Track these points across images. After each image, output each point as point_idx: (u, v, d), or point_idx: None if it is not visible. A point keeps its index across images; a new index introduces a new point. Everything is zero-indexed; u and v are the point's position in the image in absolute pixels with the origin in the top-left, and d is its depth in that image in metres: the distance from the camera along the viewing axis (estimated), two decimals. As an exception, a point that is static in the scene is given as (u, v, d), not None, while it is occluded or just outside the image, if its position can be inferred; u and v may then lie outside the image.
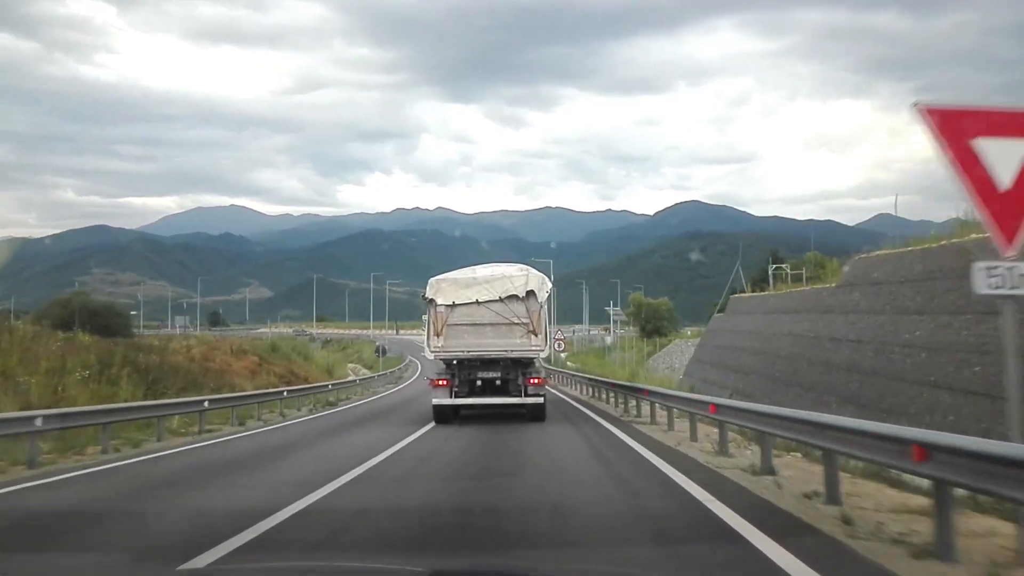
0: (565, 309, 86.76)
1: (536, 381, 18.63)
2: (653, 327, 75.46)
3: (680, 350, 59.15)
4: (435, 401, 18.83)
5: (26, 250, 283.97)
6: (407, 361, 64.84)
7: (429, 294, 18.78)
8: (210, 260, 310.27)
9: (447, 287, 18.81)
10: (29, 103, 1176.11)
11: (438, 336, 18.53)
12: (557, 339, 41.94)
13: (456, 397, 18.76)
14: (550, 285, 19.39)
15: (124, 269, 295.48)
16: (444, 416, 18.85)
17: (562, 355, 42.94)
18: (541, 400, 18.74)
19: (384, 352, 64.95)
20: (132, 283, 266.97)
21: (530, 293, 18.50)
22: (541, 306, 18.58)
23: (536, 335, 18.36)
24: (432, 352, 18.88)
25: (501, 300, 18.40)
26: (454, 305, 18.54)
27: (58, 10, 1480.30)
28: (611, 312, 69.10)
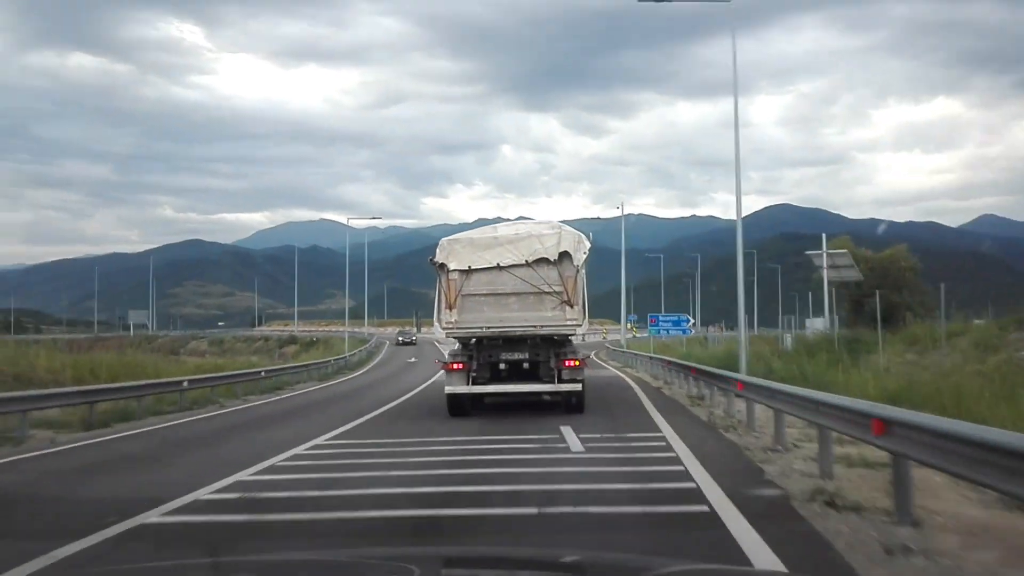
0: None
1: (573, 363, 15.49)
2: (885, 305, 32.11)
3: None
4: (448, 389, 15.74)
5: (123, 264, 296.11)
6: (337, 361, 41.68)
7: (439, 258, 15.46)
8: (298, 272, 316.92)
9: (461, 249, 15.53)
10: (127, 124, 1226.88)
11: (450, 309, 15.27)
12: None
13: (475, 384, 15.56)
14: (588, 245, 15.94)
15: (215, 281, 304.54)
16: (460, 407, 15.77)
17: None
18: (579, 387, 15.59)
19: None
20: (223, 295, 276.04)
21: (564, 255, 15.22)
22: (578, 271, 15.31)
23: (572, 307, 15.12)
24: (444, 328, 15.49)
25: (528, 264, 15.17)
26: (470, 271, 15.29)
27: (150, 33, 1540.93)
28: (823, 263, 28.33)
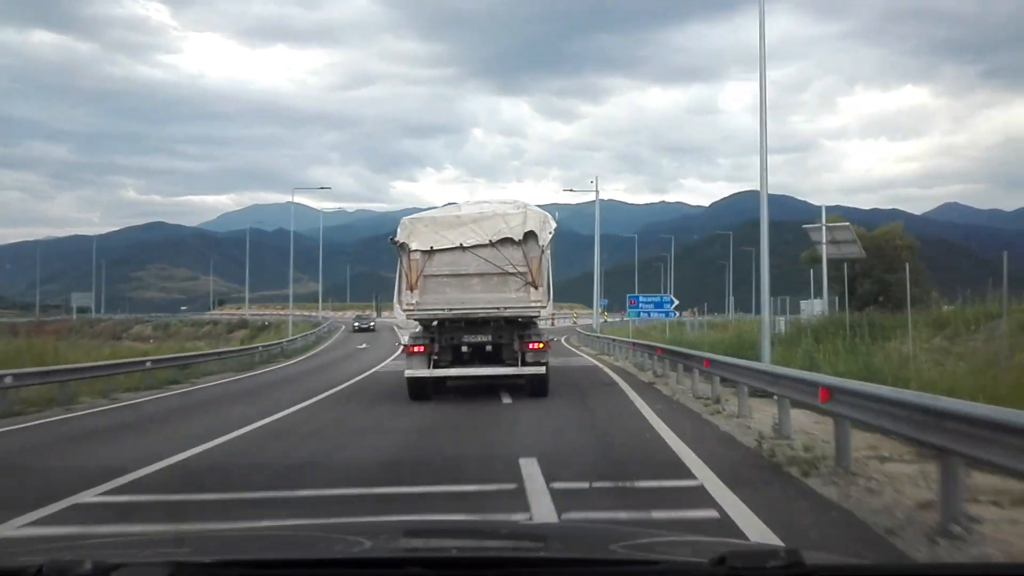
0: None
1: (536, 346, 15.28)
2: (880, 287, 33.13)
3: None
4: (408, 373, 15.39)
5: (85, 246, 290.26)
6: None
7: (400, 237, 15.10)
8: (263, 255, 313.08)
9: (423, 228, 15.16)
10: (90, 103, 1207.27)
11: (411, 290, 14.96)
12: None
13: (436, 367, 15.39)
14: (554, 224, 15.55)
15: (178, 264, 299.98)
16: (421, 391, 15.39)
17: None
18: (543, 370, 15.36)
19: None
20: (186, 278, 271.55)
21: (529, 235, 14.85)
22: (543, 251, 15.00)
23: (536, 288, 14.84)
24: (404, 310, 15.13)
25: (492, 244, 14.83)
26: (432, 251, 14.97)
27: (115, 11, 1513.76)
28: (822, 238, 23.85)
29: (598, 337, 39.14)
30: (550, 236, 15.15)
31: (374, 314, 71.07)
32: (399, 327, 50.31)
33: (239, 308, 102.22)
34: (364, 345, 44.00)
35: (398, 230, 15.22)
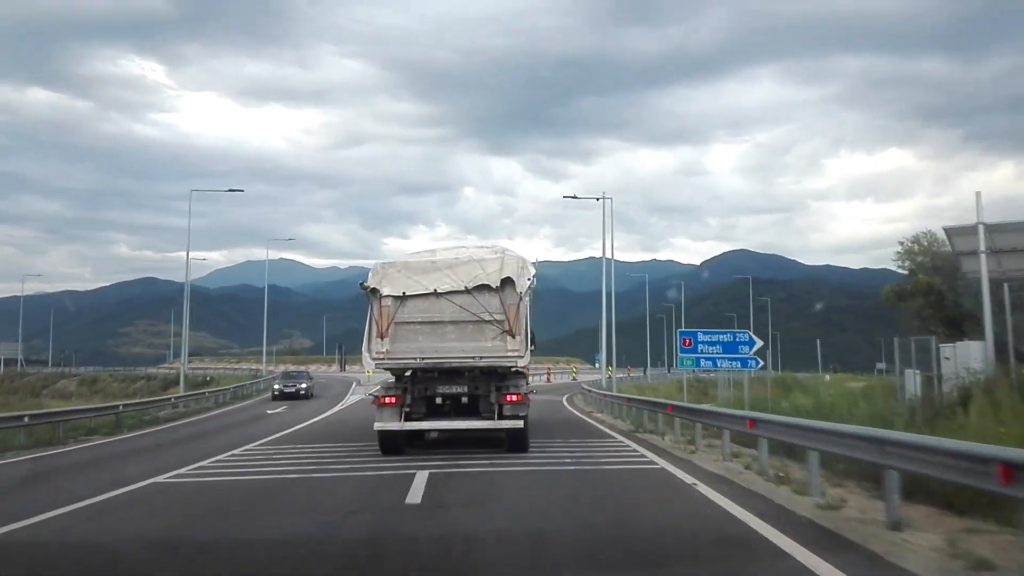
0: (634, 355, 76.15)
1: (514, 398, 14.39)
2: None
3: None
4: (378, 426, 14.49)
5: (75, 302, 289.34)
6: None
7: (372, 282, 14.41)
8: (254, 311, 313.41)
9: (396, 273, 14.46)
10: (85, 160, 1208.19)
11: (382, 338, 14.19)
12: None
13: (408, 420, 14.53)
14: (533, 271, 14.89)
15: (167, 320, 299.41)
16: (393, 445, 14.66)
17: None
18: (521, 424, 14.42)
19: None
20: (175, 333, 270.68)
21: (506, 281, 14.24)
22: (521, 298, 14.30)
23: (514, 336, 14.13)
24: (374, 359, 14.35)
25: (468, 291, 14.20)
26: (404, 297, 14.26)
27: (111, 70, 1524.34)
28: (980, 245, 16.37)
29: (628, 402, 24.41)
30: (529, 283, 14.42)
31: (306, 369, 54.13)
32: (359, 383, 45.61)
33: (203, 361, 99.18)
34: (281, 408, 33.05)
35: (369, 275, 14.52)
